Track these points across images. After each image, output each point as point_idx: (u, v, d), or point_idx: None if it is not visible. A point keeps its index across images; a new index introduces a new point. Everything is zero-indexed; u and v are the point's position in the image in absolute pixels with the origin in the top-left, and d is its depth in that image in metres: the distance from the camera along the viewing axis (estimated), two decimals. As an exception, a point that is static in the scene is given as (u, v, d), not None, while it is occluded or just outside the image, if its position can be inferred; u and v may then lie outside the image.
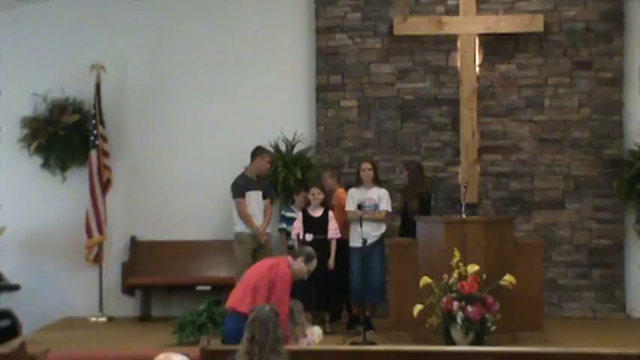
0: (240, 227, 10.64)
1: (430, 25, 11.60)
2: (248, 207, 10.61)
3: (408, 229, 10.38)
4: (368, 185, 10.51)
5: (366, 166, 10.56)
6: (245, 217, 10.60)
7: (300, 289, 10.13)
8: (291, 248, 10.63)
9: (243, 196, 10.63)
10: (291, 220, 10.84)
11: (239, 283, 8.87)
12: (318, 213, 10.44)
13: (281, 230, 11.08)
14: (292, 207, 11.05)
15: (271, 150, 11.17)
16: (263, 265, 8.84)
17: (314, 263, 8.92)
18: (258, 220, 10.62)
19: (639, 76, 11.59)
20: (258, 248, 10.59)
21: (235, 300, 8.50)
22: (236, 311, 8.32)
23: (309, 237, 10.29)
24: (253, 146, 10.93)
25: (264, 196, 10.76)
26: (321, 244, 10.17)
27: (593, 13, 11.58)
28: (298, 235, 10.35)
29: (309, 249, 9.01)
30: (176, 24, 11.91)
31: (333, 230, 10.38)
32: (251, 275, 8.71)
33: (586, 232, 11.56)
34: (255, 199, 10.67)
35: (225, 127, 11.77)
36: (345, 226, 10.52)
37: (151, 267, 11.68)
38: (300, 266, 8.78)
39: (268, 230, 10.75)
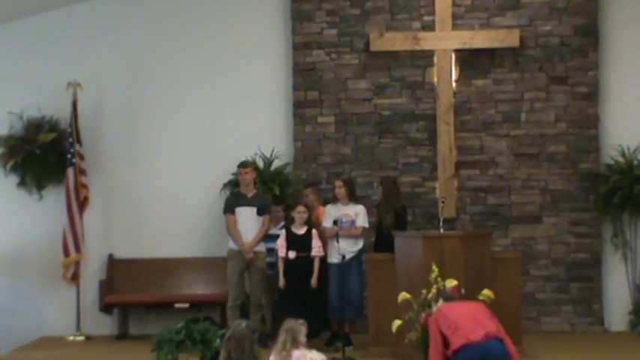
0: (231, 243, 10.60)
1: (406, 40, 11.63)
2: (238, 223, 10.57)
3: (381, 244, 10.38)
4: (344, 202, 10.49)
5: (337, 184, 10.52)
6: (231, 234, 10.56)
7: (280, 306, 10.15)
8: (271, 265, 10.57)
9: (232, 212, 10.56)
10: (268, 238, 10.78)
11: (475, 314, 8.08)
12: (301, 231, 10.36)
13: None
14: (269, 224, 10.98)
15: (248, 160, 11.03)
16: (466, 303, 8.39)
17: None
18: (247, 237, 10.51)
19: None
20: (250, 266, 10.53)
21: (495, 329, 7.99)
22: (501, 340, 7.93)
23: (291, 254, 10.24)
24: (230, 163, 10.95)
25: (260, 213, 10.60)
26: (303, 262, 10.16)
27: (569, 28, 11.64)
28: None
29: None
30: (153, 41, 11.88)
31: (317, 248, 10.30)
32: (478, 310, 8.12)
33: (563, 246, 11.58)
34: (245, 216, 10.54)
35: (202, 144, 11.74)
36: (324, 244, 10.48)
37: (128, 285, 11.60)
38: None
39: (259, 248, 10.58)
